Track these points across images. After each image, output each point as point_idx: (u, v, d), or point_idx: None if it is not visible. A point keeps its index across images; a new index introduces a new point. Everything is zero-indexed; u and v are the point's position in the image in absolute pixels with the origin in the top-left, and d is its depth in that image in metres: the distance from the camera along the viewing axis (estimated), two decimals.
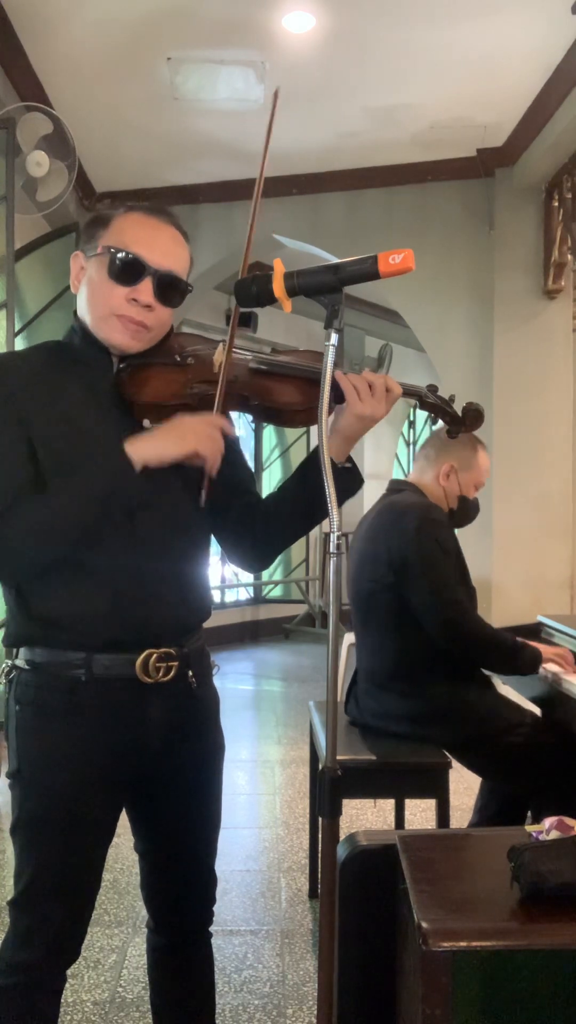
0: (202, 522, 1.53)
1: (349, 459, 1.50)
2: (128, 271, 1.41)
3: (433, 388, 1.59)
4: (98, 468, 1.38)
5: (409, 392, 1.54)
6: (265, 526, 1.55)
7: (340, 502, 1.46)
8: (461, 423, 1.62)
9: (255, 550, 1.58)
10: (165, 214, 1.48)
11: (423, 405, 1.59)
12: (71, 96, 4.69)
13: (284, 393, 1.48)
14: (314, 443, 1.49)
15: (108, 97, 4.78)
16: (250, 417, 1.79)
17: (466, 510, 2.69)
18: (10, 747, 1.45)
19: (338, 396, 1.42)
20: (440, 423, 1.67)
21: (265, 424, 8.82)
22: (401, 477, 2.81)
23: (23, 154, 4.08)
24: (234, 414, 1.56)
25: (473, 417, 1.61)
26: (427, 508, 2.56)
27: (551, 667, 2.43)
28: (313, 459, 1.49)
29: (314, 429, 1.43)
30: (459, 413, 1.61)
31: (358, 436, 1.46)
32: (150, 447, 1.38)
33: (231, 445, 1.59)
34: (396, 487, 2.72)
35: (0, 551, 1.37)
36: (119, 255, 1.41)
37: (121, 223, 1.44)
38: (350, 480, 1.49)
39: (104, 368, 1.46)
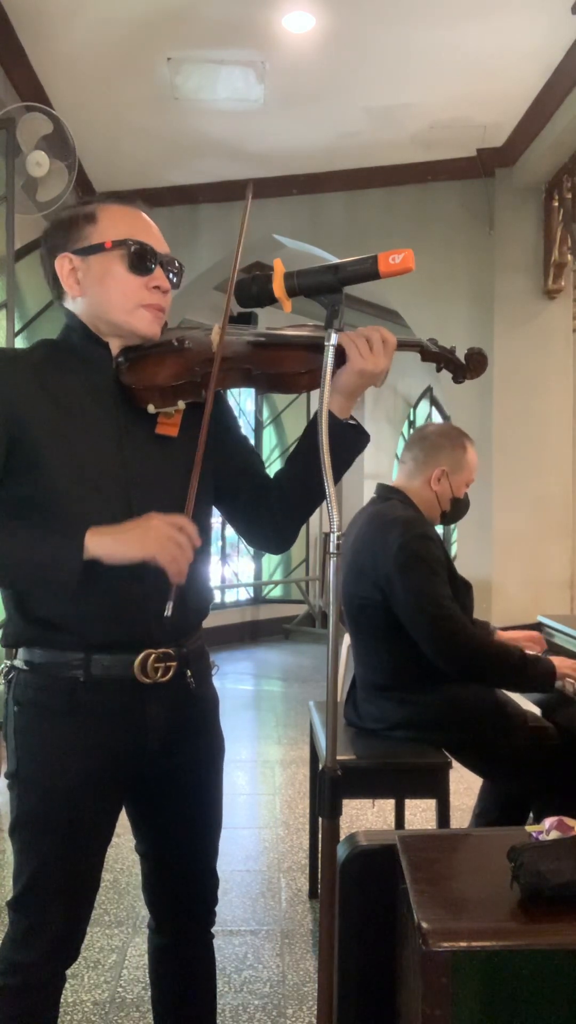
0: (203, 521, 1.53)
1: (352, 417, 1.50)
2: (145, 261, 1.43)
3: (433, 340, 1.60)
4: (52, 539, 1.36)
5: (410, 344, 1.54)
6: (280, 502, 1.54)
7: (349, 461, 1.47)
8: (465, 369, 1.61)
9: (275, 529, 1.58)
10: (136, 202, 1.50)
11: (425, 356, 1.60)
12: (71, 96, 4.69)
13: (284, 360, 1.49)
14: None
15: (108, 97, 4.77)
16: (251, 419, 1.80)
17: (458, 509, 2.63)
18: (9, 747, 1.45)
19: (338, 360, 1.42)
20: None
21: (264, 420, 8.82)
22: (382, 483, 2.72)
23: (23, 154, 4.07)
24: (235, 409, 1.57)
25: (477, 361, 1.60)
26: (411, 523, 2.45)
27: (569, 681, 2.34)
28: (315, 423, 1.49)
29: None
30: (462, 361, 1.61)
31: (359, 393, 1.48)
32: (107, 544, 1.34)
33: (233, 430, 1.60)
34: (384, 494, 2.62)
35: None
36: (135, 247, 1.42)
37: (109, 216, 1.45)
38: (355, 437, 1.49)
39: (105, 363, 1.46)
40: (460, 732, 2.45)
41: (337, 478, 1.39)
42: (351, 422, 1.49)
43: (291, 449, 1.59)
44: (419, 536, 2.43)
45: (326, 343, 1.30)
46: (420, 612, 2.36)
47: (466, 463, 2.60)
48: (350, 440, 1.48)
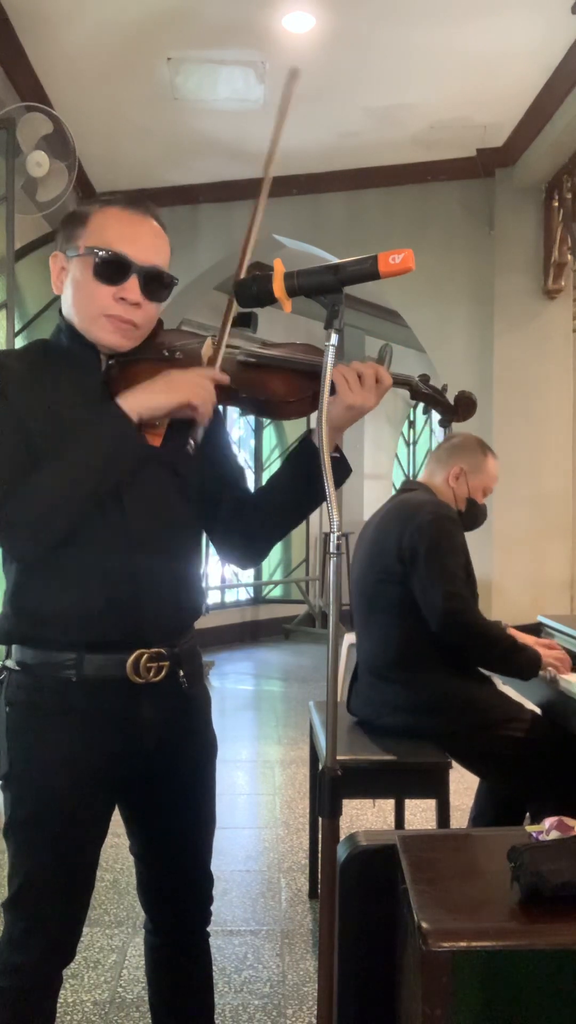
0: (195, 520, 1.53)
1: (337, 449, 1.50)
2: (113, 270, 1.40)
3: (425, 378, 1.59)
4: (96, 428, 1.37)
5: (401, 382, 1.53)
6: (256, 520, 1.55)
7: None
8: (453, 412, 1.61)
9: (247, 544, 1.59)
10: (143, 206, 1.45)
11: (415, 395, 1.59)
12: (71, 96, 4.69)
13: (273, 385, 1.48)
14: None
15: (108, 97, 4.77)
16: (251, 420, 1.79)
17: (474, 514, 2.73)
18: (1, 748, 1.44)
19: (332, 388, 1.41)
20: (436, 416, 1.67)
21: (265, 421, 8.82)
22: (407, 478, 2.82)
23: (23, 154, 4.07)
24: (233, 415, 1.57)
25: (465, 406, 1.61)
26: (441, 505, 2.61)
27: (550, 669, 2.43)
28: (300, 450, 1.50)
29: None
30: (451, 402, 1.61)
31: (346, 426, 1.47)
32: (141, 398, 1.37)
33: (222, 440, 1.59)
34: (408, 487, 2.77)
35: (15, 528, 1.36)
36: (102, 254, 1.39)
37: (100, 220, 1.42)
38: (338, 470, 1.48)
39: (92, 366, 1.45)
40: (458, 719, 2.47)
41: (312, 508, 1.41)
42: (335, 455, 1.48)
43: (274, 473, 1.59)
44: (448, 517, 2.58)
45: (326, 343, 1.30)
46: (434, 585, 2.45)
47: (485, 468, 2.74)
48: (333, 473, 1.47)
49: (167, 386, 1.39)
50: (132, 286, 1.41)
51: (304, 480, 1.46)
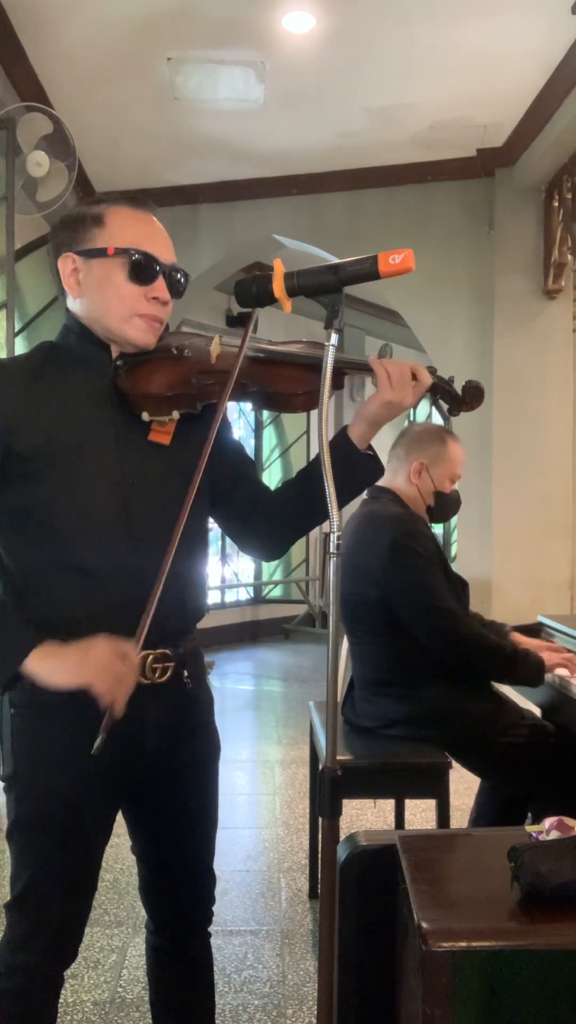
0: (200, 521, 1.53)
1: (370, 447, 1.50)
2: (147, 271, 1.42)
3: (432, 369, 1.60)
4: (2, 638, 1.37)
5: None
6: (273, 515, 1.55)
7: (358, 491, 1.48)
8: (461, 402, 1.62)
9: (264, 539, 1.59)
10: (147, 204, 1.48)
11: None
12: (71, 96, 4.68)
13: (282, 379, 1.49)
14: (314, 441, 1.50)
15: (108, 97, 4.77)
16: (250, 419, 1.79)
17: (444, 505, 2.63)
18: (5, 750, 1.44)
19: (336, 383, 1.42)
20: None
21: (265, 421, 8.82)
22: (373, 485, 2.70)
23: (23, 154, 4.07)
24: (233, 415, 1.57)
25: (473, 394, 1.62)
26: (401, 521, 2.51)
27: (561, 672, 2.39)
28: (335, 442, 1.49)
29: (315, 429, 1.43)
30: (459, 392, 1.62)
31: (383, 423, 1.47)
32: (47, 666, 1.34)
33: (229, 439, 1.59)
34: (373, 494, 2.66)
35: None
36: (136, 257, 1.41)
37: (116, 220, 1.43)
38: (371, 467, 1.50)
39: (104, 366, 1.46)
40: (457, 729, 2.46)
41: (343, 504, 1.39)
42: (368, 452, 1.49)
43: (303, 467, 1.59)
44: (409, 533, 2.49)
45: (326, 343, 1.30)
46: (418, 604, 2.41)
47: (447, 456, 2.61)
48: (364, 470, 1.48)
49: (76, 666, 1.33)
50: (161, 285, 1.43)
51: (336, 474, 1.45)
